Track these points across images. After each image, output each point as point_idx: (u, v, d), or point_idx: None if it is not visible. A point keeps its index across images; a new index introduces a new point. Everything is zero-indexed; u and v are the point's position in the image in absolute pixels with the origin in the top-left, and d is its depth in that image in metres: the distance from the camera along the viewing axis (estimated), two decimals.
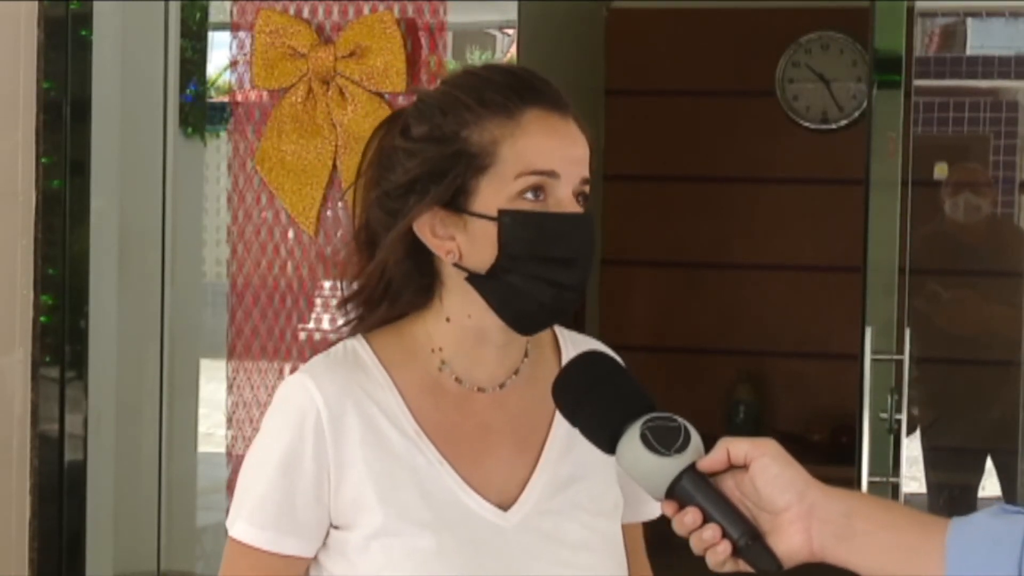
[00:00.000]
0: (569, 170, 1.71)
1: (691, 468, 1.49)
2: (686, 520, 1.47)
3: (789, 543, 1.46)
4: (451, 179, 1.69)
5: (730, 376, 6.11)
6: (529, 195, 1.69)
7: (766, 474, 1.47)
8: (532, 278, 1.69)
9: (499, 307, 1.72)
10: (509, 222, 1.68)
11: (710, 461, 1.49)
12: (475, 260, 1.71)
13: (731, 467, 1.49)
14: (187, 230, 4.15)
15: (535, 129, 1.71)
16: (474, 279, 1.71)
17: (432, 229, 1.71)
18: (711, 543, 1.46)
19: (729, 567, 1.48)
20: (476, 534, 1.71)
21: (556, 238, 1.69)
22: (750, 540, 1.46)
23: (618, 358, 1.70)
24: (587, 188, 1.74)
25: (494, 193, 1.69)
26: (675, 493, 1.49)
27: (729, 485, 1.49)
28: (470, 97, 1.72)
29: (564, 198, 1.70)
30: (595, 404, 1.56)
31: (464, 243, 1.71)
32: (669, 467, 1.49)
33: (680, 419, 1.52)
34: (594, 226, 1.74)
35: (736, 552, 1.47)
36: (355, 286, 1.79)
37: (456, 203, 1.70)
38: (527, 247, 1.69)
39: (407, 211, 1.71)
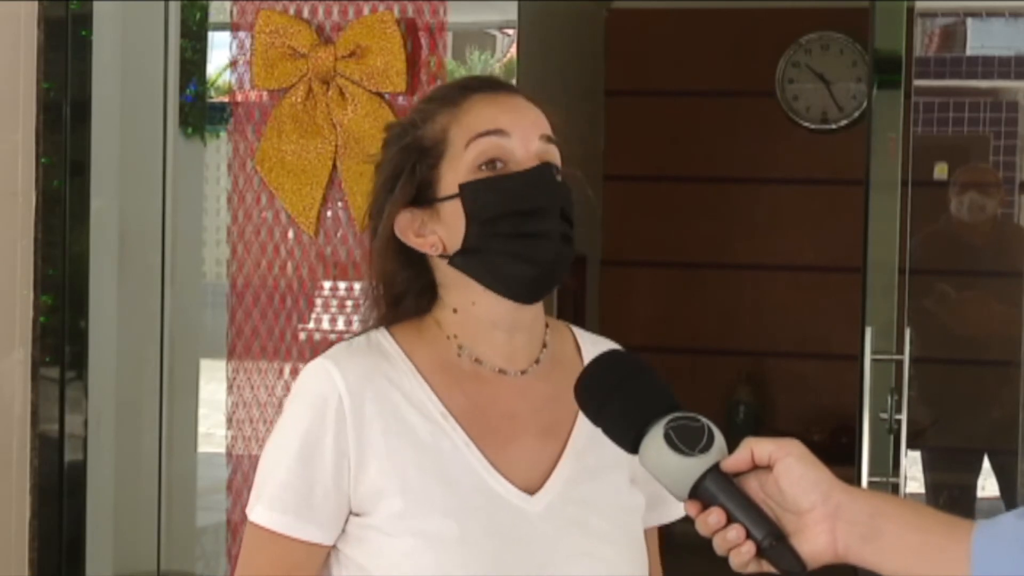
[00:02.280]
0: (520, 129, 1.75)
1: (715, 468, 1.48)
2: (710, 520, 1.47)
3: (814, 544, 1.46)
4: (409, 172, 1.75)
5: (730, 376, 6.11)
6: (485, 167, 1.73)
7: (791, 475, 1.46)
8: (504, 238, 1.72)
9: (486, 279, 1.75)
10: (469, 192, 1.73)
11: (734, 461, 1.49)
12: (453, 243, 1.75)
13: (755, 467, 1.49)
14: (187, 230, 4.15)
15: (478, 105, 1.76)
16: (454, 260, 1.75)
17: (414, 231, 1.76)
18: (735, 544, 1.46)
19: (753, 568, 1.47)
20: (501, 518, 1.72)
21: (516, 194, 1.72)
22: (774, 541, 1.45)
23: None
24: (552, 149, 1.76)
25: (453, 172, 1.74)
26: (699, 493, 1.48)
27: (753, 486, 1.48)
28: (422, 102, 1.82)
29: (522, 158, 1.74)
30: (619, 403, 1.56)
31: (443, 233, 1.75)
32: (693, 467, 1.48)
33: (704, 419, 1.52)
34: (554, 173, 1.75)
35: (760, 553, 1.46)
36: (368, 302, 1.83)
37: (425, 197, 1.75)
38: (490, 210, 1.72)
39: (384, 212, 1.77)
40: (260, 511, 1.74)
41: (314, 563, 1.76)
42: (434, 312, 1.80)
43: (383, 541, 1.72)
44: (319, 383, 1.74)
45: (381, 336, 1.79)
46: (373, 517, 1.72)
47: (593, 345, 1.87)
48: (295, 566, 1.74)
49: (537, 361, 1.81)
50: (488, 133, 1.73)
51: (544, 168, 1.74)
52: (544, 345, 1.82)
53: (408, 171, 1.75)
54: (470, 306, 1.77)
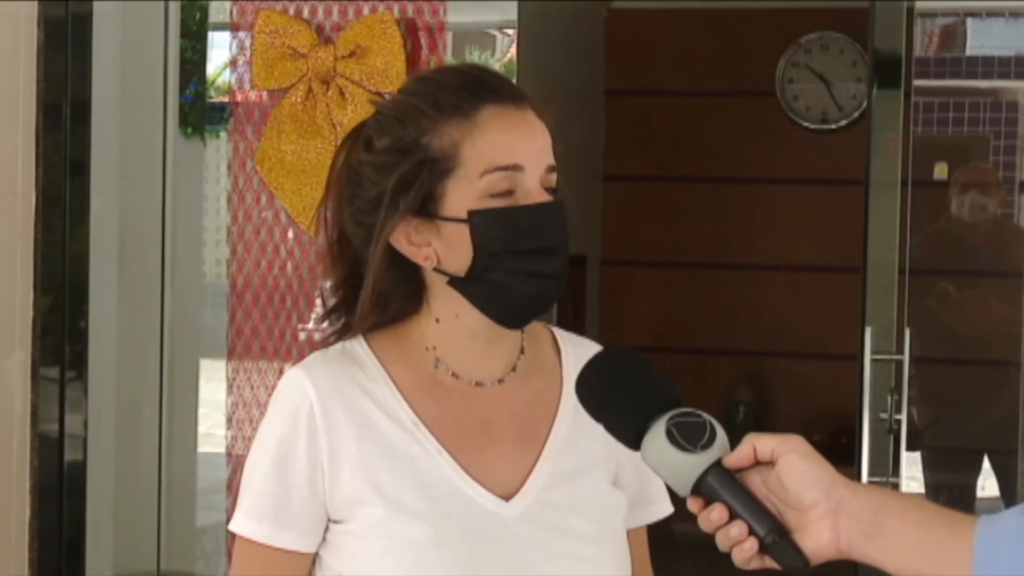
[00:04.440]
0: (532, 161, 1.72)
1: (717, 464, 1.48)
2: (712, 517, 1.46)
3: (817, 540, 1.46)
4: (418, 187, 1.71)
5: (730, 376, 6.11)
6: (496, 196, 1.70)
7: (793, 471, 1.46)
8: (512, 273, 1.71)
9: (484, 306, 1.73)
10: (480, 221, 1.70)
11: (736, 457, 1.48)
12: (453, 263, 1.72)
13: (757, 463, 1.48)
14: (187, 230, 4.15)
15: (493, 126, 1.72)
16: (455, 282, 1.73)
17: (407, 238, 1.73)
18: (737, 540, 1.46)
19: (755, 564, 1.47)
20: (475, 523, 1.72)
21: (529, 230, 1.71)
22: (777, 537, 1.45)
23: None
24: (554, 177, 1.75)
25: (462, 194, 1.71)
26: (701, 489, 1.48)
27: (755, 482, 1.48)
28: (425, 103, 1.73)
29: (532, 189, 1.72)
30: (621, 399, 1.55)
31: (440, 248, 1.72)
32: (695, 463, 1.48)
33: (706, 415, 1.51)
34: (565, 212, 1.75)
35: (763, 549, 1.46)
36: (338, 295, 1.81)
37: (426, 209, 1.72)
38: (501, 243, 1.70)
39: (381, 224, 1.72)
40: (239, 520, 1.75)
41: (298, 571, 1.76)
42: (416, 319, 1.79)
43: (360, 546, 1.72)
44: (291, 391, 1.75)
45: (357, 345, 1.79)
46: (349, 523, 1.73)
47: (573, 345, 1.86)
48: (279, 573, 1.75)
49: (514, 369, 1.80)
50: (506, 168, 1.70)
51: (556, 206, 1.73)
52: (521, 351, 1.82)
53: (417, 186, 1.71)
54: (453, 318, 1.76)
